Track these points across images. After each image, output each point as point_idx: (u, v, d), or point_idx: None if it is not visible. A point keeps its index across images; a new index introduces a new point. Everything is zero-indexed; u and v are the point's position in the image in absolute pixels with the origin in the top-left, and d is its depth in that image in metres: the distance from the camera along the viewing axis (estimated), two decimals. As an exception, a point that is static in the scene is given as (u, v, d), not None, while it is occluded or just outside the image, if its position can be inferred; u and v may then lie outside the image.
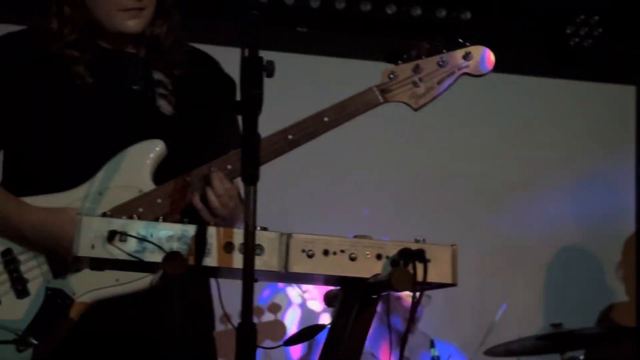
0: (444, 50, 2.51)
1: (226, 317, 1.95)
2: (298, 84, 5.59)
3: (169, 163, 2.54)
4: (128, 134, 2.53)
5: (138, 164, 2.51)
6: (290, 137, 2.47)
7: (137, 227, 1.89)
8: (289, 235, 1.95)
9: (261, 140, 2.33)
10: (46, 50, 2.58)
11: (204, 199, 2.43)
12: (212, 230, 1.91)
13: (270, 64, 1.86)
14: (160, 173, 2.51)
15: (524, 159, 6.11)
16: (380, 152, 5.93)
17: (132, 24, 2.58)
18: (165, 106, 2.61)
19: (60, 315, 2.35)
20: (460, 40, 2.52)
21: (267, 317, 5.64)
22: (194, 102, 2.65)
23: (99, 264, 1.93)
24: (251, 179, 1.73)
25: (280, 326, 5.65)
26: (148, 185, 2.48)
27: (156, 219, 1.94)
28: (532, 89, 6.19)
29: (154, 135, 2.54)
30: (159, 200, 2.44)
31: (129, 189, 2.46)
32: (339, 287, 2.11)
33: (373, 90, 2.50)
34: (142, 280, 2.27)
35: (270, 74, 1.87)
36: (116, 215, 2.28)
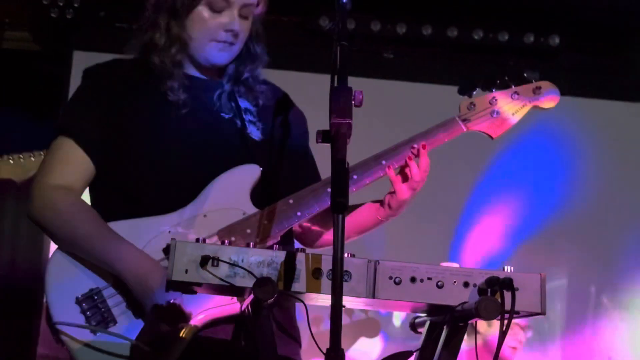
0: (512, 86, 2.74)
1: (314, 342, 1.97)
2: (383, 109, 5.61)
3: (259, 186, 2.61)
4: (223, 159, 2.61)
5: (240, 187, 2.59)
6: (383, 162, 2.61)
7: (229, 252, 1.93)
8: (377, 262, 1.97)
9: (354, 166, 2.47)
10: (145, 77, 2.66)
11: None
12: (300, 257, 1.94)
13: (359, 93, 1.91)
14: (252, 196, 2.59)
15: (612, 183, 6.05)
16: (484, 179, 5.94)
17: (220, 57, 2.67)
18: (255, 132, 2.70)
19: (174, 336, 2.38)
20: (525, 75, 2.75)
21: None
22: (279, 130, 2.74)
23: (191, 288, 1.98)
24: (340, 208, 1.75)
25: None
26: (250, 207, 2.56)
27: (247, 245, 1.99)
28: (618, 114, 6.08)
29: (247, 160, 2.62)
30: (265, 222, 2.52)
31: (234, 212, 2.54)
32: (425, 314, 2.13)
33: (456, 120, 2.71)
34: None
35: (359, 104, 1.91)
36: (223, 237, 2.43)
